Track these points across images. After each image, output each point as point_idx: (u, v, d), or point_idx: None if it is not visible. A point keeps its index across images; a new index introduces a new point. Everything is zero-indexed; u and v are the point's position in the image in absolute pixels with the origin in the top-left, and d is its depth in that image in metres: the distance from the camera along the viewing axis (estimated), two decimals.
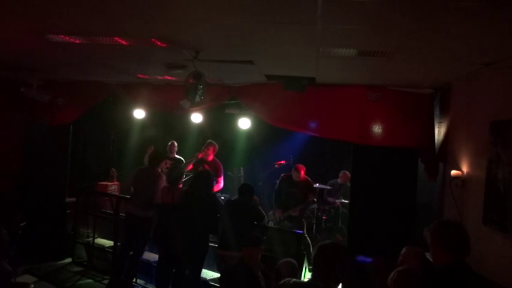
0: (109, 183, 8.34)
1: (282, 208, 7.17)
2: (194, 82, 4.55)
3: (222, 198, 7.90)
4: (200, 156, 7.32)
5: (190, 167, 7.36)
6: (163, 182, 6.07)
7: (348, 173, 8.17)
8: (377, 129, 5.62)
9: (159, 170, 6.40)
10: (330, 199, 8.34)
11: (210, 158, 7.37)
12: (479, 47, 3.43)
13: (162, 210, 5.80)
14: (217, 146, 7.43)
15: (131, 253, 6.18)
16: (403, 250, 3.70)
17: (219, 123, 8.45)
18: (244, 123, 7.42)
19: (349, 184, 7.34)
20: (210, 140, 7.47)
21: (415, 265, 3.39)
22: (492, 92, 4.00)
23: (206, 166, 7.34)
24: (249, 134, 8.30)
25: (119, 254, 6.43)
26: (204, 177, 5.82)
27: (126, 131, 8.94)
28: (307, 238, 7.00)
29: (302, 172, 7.16)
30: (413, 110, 5.52)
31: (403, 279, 3.03)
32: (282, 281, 3.09)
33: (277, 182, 7.59)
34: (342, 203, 8.24)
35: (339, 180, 8.46)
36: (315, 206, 7.67)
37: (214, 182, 6.76)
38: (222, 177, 7.40)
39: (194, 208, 5.43)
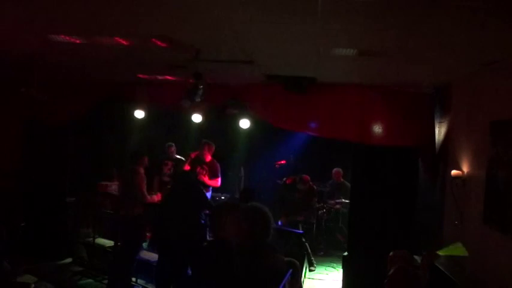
0: (109, 183, 8.33)
1: (287, 214, 7.20)
2: (194, 82, 4.56)
3: (223, 198, 7.92)
4: (193, 155, 7.31)
5: (187, 167, 7.35)
6: (142, 180, 5.85)
7: (339, 170, 8.15)
8: (377, 129, 5.62)
9: (141, 169, 5.94)
10: (330, 201, 8.27)
11: (208, 158, 7.31)
12: (479, 47, 3.42)
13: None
14: (212, 145, 7.35)
15: (126, 254, 6.14)
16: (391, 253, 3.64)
17: (219, 123, 8.44)
18: (244, 123, 7.40)
19: (348, 184, 7.33)
20: (204, 140, 7.42)
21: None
22: (492, 92, 4.00)
23: (204, 166, 7.33)
24: (249, 134, 8.28)
25: (114, 254, 6.42)
26: (186, 176, 5.82)
27: (126, 131, 8.94)
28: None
29: (309, 184, 7.34)
30: (413, 110, 5.52)
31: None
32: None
33: (281, 185, 7.59)
34: (342, 202, 8.22)
35: (333, 179, 8.43)
36: (323, 210, 7.71)
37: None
38: (220, 178, 7.39)
39: (182, 206, 5.40)
